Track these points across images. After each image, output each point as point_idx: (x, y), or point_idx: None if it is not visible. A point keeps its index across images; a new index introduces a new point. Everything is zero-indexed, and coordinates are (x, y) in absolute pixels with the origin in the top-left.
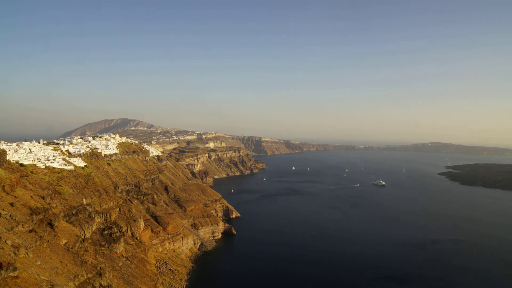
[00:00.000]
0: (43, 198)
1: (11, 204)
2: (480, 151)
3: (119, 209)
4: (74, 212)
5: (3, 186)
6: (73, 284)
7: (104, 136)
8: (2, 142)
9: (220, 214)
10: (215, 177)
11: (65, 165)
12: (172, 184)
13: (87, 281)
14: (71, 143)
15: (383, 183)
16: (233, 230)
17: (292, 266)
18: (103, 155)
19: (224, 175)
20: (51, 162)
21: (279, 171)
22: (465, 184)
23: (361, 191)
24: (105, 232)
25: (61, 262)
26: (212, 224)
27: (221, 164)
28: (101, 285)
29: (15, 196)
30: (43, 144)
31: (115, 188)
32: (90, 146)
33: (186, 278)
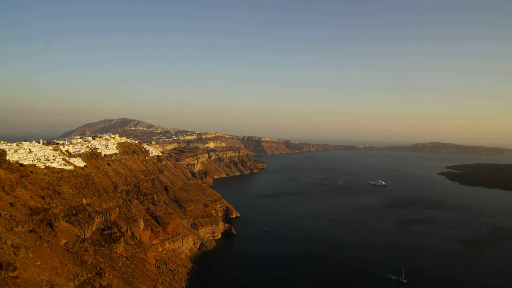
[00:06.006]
0: (43, 198)
1: (11, 204)
2: (480, 151)
3: (119, 209)
4: (74, 212)
5: (3, 186)
6: (73, 284)
7: (104, 136)
8: (2, 142)
9: (220, 214)
10: (215, 177)
11: (65, 165)
12: (172, 184)
13: (87, 281)
14: (71, 143)
15: (383, 183)
16: (233, 230)
17: (292, 266)
18: (103, 155)
19: (224, 175)
20: (51, 162)
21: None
22: (465, 184)
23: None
24: (105, 232)
25: (61, 262)
26: (212, 224)
27: (221, 164)
28: (101, 285)
29: (15, 196)
30: (43, 144)
31: (115, 188)
32: (90, 146)
33: (186, 278)
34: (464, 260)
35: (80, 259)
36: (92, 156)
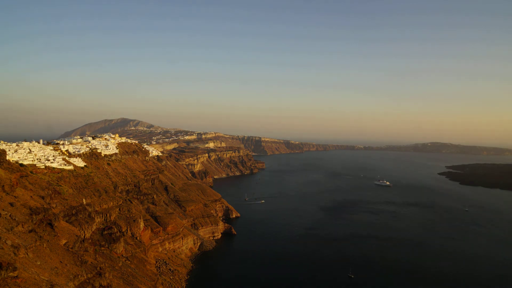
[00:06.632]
0: (43, 198)
1: (11, 204)
2: (480, 151)
3: (119, 209)
4: (74, 212)
5: (3, 186)
6: (73, 284)
7: (104, 136)
8: (2, 142)
9: (220, 214)
10: (215, 177)
11: (65, 165)
12: (172, 184)
13: (87, 281)
14: (71, 143)
15: (388, 183)
16: (233, 230)
17: (292, 266)
18: (103, 155)
19: (224, 175)
20: (51, 162)
21: None
22: (465, 184)
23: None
24: (105, 232)
25: (61, 262)
26: (212, 224)
27: (221, 164)
28: (101, 285)
29: (15, 196)
30: (43, 144)
31: (115, 188)
32: (90, 146)
33: (186, 278)
34: None
35: (80, 259)
36: (92, 156)
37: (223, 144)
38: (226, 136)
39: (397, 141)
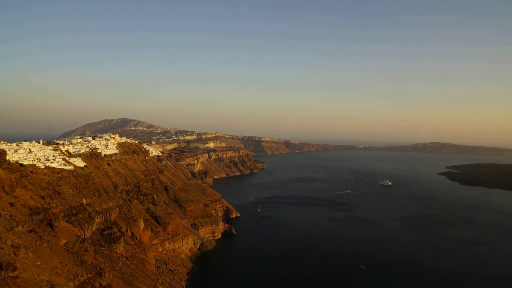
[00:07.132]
0: (43, 198)
1: (11, 204)
2: (480, 151)
3: (119, 209)
4: (74, 212)
5: (3, 186)
6: (73, 284)
7: (104, 136)
8: (2, 142)
9: (220, 214)
10: (215, 177)
11: (65, 165)
12: (172, 184)
13: (87, 281)
14: (71, 143)
15: (389, 183)
16: (233, 230)
17: (292, 266)
18: (103, 155)
19: (224, 175)
20: (51, 162)
21: None
22: (465, 184)
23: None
24: (105, 232)
25: (61, 262)
26: (212, 224)
27: (221, 164)
28: (101, 285)
29: (15, 196)
30: (43, 144)
31: (115, 188)
32: (90, 146)
33: (186, 278)
34: None
35: (80, 259)
36: (92, 156)
37: (223, 144)
38: (226, 136)
39: (397, 141)
